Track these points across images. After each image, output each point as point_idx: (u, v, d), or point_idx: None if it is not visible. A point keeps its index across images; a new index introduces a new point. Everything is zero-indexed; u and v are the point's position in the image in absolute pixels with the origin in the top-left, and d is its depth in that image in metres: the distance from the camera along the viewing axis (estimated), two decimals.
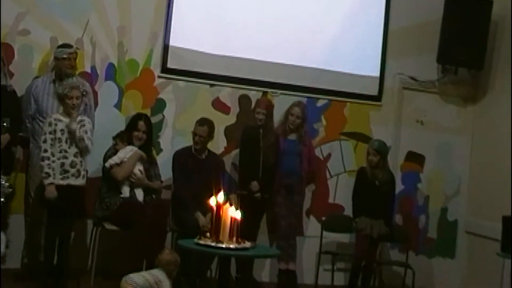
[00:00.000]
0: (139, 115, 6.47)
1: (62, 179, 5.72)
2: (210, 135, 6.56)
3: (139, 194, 6.25)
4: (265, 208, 6.94)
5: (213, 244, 4.57)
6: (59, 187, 5.70)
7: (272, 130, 6.89)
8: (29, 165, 6.17)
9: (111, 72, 6.83)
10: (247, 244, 4.67)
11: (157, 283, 4.93)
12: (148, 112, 6.77)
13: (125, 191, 6.20)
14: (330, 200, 7.50)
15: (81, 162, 5.80)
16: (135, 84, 6.91)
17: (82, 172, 5.82)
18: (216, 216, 4.62)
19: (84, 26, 6.72)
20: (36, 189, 5.98)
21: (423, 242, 7.75)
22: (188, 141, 6.71)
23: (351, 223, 6.84)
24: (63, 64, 6.13)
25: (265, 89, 7.27)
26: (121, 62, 6.85)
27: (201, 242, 4.64)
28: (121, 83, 6.85)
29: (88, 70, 6.73)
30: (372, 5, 7.67)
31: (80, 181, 5.80)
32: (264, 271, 7.18)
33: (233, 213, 4.61)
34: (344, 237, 7.31)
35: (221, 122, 7.07)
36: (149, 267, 5.94)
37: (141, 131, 6.32)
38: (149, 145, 6.48)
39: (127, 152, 6.24)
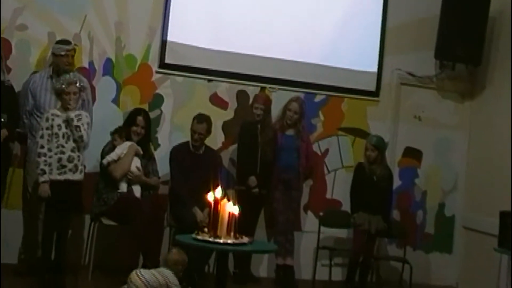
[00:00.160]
0: (138, 110, 6.47)
1: (59, 174, 5.71)
2: (209, 131, 6.57)
3: (137, 190, 6.25)
4: (263, 203, 6.95)
5: (211, 239, 4.57)
6: (56, 182, 5.69)
7: (270, 126, 6.89)
8: (27, 160, 6.17)
9: (109, 67, 6.83)
10: (245, 239, 4.66)
11: (167, 284, 4.94)
12: (146, 107, 6.77)
13: (123, 187, 6.20)
14: (328, 196, 7.50)
15: (78, 157, 5.79)
16: (133, 79, 6.90)
17: (80, 167, 5.82)
18: (214, 211, 4.61)
19: (82, 21, 6.71)
20: (34, 184, 5.97)
21: (420, 238, 7.76)
22: (186, 137, 6.71)
23: (348, 219, 6.85)
24: (61, 60, 6.13)
25: (263, 85, 7.27)
26: (119, 57, 6.85)
27: (199, 237, 4.63)
28: (118, 78, 6.85)
29: (86, 65, 6.73)
30: (370, 1, 7.67)
31: (77, 176, 5.80)
32: (262, 266, 7.19)
33: (231, 208, 4.61)
34: (341, 232, 7.32)
35: (219, 117, 7.07)
36: (146, 263, 5.99)
37: (140, 126, 6.32)
38: (147, 141, 6.48)
39: (124, 148, 6.24)
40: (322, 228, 7.19)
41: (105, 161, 6.20)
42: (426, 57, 7.61)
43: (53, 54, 6.19)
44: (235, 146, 7.04)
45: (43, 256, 5.83)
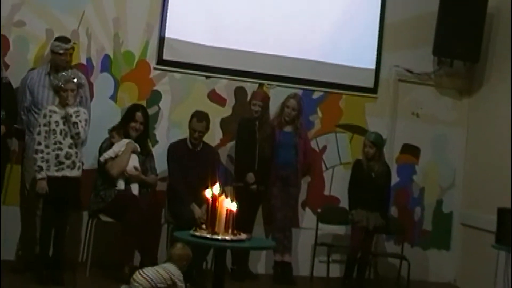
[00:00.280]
0: (136, 106, 6.47)
1: (57, 170, 5.72)
2: (207, 128, 6.58)
3: (134, 188, 6.25)
4: (261, 200, 6.96)
5: (208, 236, 4.56)
6: (54, 179, 5.70)
7: (268, 122, 6.89)
8: (25, 157, 6.16)
9: (107, 64, 6.82)
10: (243, 236, 4.66)
11: (171, 278, 4.96)
12: (143, 104, 6.76)
13: (120, 184, 6.21)
14: (326, 192, 7.51)
15: (76, 153, 5.79)
16: (131, 76, 6.90)
17: (78, 164, 5.82)
18: (212, 208, 4.61)
19: (80, 17, 6.71)
20: (31, 181, 5.97)
21: (418, 234, 7.77)
22: (184, 133, 6.71)
23: (346, 215, 6.86)
24: (59, 59, 6.12)
25: (261, 81, 7.27)
26: (117, 54, 6.85)
27: (197, 234, 4.63)
28: (116, 75, 6.85)
29: (84, 61, 6.72)
30: None
31: (75, 173, 5.80)
32: (260, 262, 7.20)
33: (228, 205, 4.61)
34: (339, 229, 7.33)
35: (217, 114, 7.08)
36: (143, 261, 6.00)
37: (139, 122, 6.32)
38: (145, 137, 6.48)
39: (121, 146, 6.24)
40: (320, 225, 7.20)
41: (102, 159, 6.20)
42: (424, 54, 7.61)
43: (52, 51, 6.18)
44: (233, 142, 7.05)
45: (41, 252, 5.84)
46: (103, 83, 6.80)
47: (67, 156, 5.74)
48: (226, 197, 4.65)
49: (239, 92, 7.23)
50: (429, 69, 7.77)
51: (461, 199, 7.86)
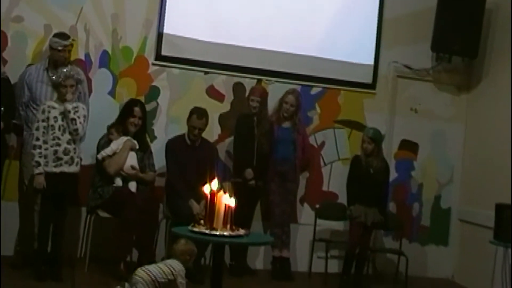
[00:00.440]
0: (134, 101, 6.46)
1: (55, 166, 5.72)
2: (207, 125, 6.58)
3: (132, 185, 6.25)
4: (259, 195, 6.96)
5: (207, 231, 4.57)
6: (52, 175, 5.70)
7: (266, 118, 6.90)
8: (23, 152, 6.16)
9: (105, 60, 6.82)
10: (241, 231, 4.67)
11: (172, 273, 4.97)
12: (142, 99, 6.76)
13: (118, 181, 6.21)
14: (324, 188, 7.51)
15: (74, 149, 5.80)
16: (129, 72, 6.90)
17: (76, 160, 5.82)
18: (210, 203, 4.62)
19: (78, 13, 6.70)
20: (30, 176, 5.97)
21: (416, 230, 7.78)
22: (182, 129, 6.71)
23: (345, 211, 6.87)
24: (57, 55, 6.11)
25: (260, 77, 7.27)
26: (115, 50, 6.84)
27: (195, 229, 4.64)
28: (115, 71, 6.84)
29: (82, 57, 6.72)
30: None
31: (73, 169, 5.80)
32: (258, 258, 7.20)
33: (227, 200, 4.61)
34: (338, 225, 7.34)
35: (215, 109, 7.07)
36: (141, 257, 6.02)
37: (137, 117, 6.32)
38: (143, 132, 6.48)
39: (119, 143, 6.23)
40: (318, 221, 7.21)
41: (99, 156, 6.20)
42: (422, 49, 7.61)
43: (50, 47, 6.17)
44: (231, 138, 7.05)
45: (39, 248, 5.85)
46: (101, 78, 6.80)
47: (66, 152, 5.74)
48: (225, 192, 4.65)
49: (238, 87, 7.23)
50: (427, 65, 7.77)
51: (459, 195, 7.87)
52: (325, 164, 7.53)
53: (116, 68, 6.85)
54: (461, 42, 7.45)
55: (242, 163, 6.76)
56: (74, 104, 5.80)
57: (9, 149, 6.29)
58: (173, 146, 6.56)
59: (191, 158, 6.48)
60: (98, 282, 5.87)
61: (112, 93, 6.84)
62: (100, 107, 6.60)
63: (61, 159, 5.73)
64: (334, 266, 7.21)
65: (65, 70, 5.79)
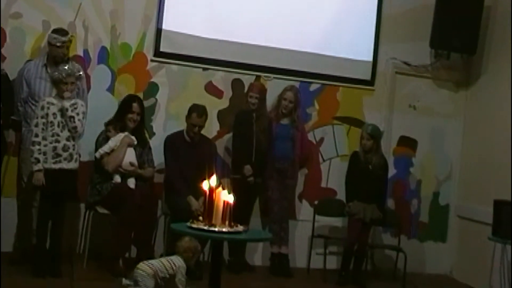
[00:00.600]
0: (132, 97, 6.46)
1: (54, 163, 5.71)
2: (206, 121, 6.59)
3: (131, 182, 6.25)
4: (258, 192, 6.97)
5: (205, 228, 4.58)
6: (51, 171, 5.70)
7: (265, 115, 6.90)
8: (21, 148, 6.16)
9: (104, 56, 6.81)
10: (240, 227, 4.67)
11: (172, 268, 5.00)
12: (140, 95, 6.75)
13: (117, 178, 6.21)
14: (323, 184, 7.52)
15: (73, 146, 5.79)
16: (128, 68, 6.89)
17: (75, 156, 5.81)
18: (209, 200, 4.62)
19: (77, 9, 6.69)
20: (29, 173, 5.96)
21: (415, 226, 7.80)
22: (180, 125, 6.71)
23: (343, 207, 6.88)
24: (56, 51, 6.10)
25: (258, 73, 7.26)
26: (114, 46, 6.83)
27: (194, 226, 4.64)
28: (113, 67, 6.84)
29: (81, 53, 6.71)
30: None
31: (72, 165, 5.79)
32: (257, 254, 7.21)
33: (225, 197, 4.61)
34: (336, 221, 7.35)
35: (214, 106, 7.07)
36: (139, 254, 6.02)
37: (136, 113, 6.31)
38: (141, 128, 6.47)
39: (117, 140, 6.23)
40: (317, 217, 7.22)
41: (97, 155, 6.20)
42: (421, 46, 7.61)
43: (49, 43, 6.16)
44: (230, 135, 7.04)
45: (37, 244, 5.85)
46: (100, 75, 6.79)
47: (65, 149, 5.74)
48: (223, 189, 4.66)
49: (236, 84, 7.22)
50: (426, 61, 7.77)
51: (457, 191, 7.88)
52: (323, 161, 7.53)
53: (115, 64, 6.84)
54: (460, 38, 7.45)
55: (241, 160, 6.76)
56: (73, 101, 5.79)
57: (8, 145, 6.29)
58: (172, 142, 6.56)
59: (190, 154, 6.48)
60: (97, 278, 5.88)
61: (110, 89, 6.83)
62: (99, 104, 6.60)
63: (60, 155, 5.73)
64: (332, 262, 7.22)
65: (66, 67, 5.78)
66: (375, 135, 6.82)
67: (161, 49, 6.96)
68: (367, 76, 7.64)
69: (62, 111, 5.71)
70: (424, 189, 7.84)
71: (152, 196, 6.40)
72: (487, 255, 6.72)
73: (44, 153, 5.69)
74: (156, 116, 6.97)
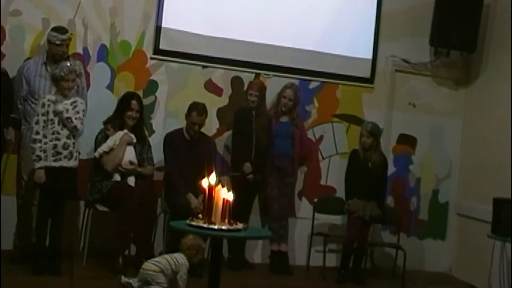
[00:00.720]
0: (131, 94, 6.45)
1: (54, 161, 5.71)
2: (206, 119, 6.59)
3: (131, 180, 6.25)
4: (257, 189, 6.97)
5: (205, 225, 4.58)
6: (51, 169, 5.69)
7: (265, 112, 6.90)
8: (21, 146, 6.15)
9: (103, 54, 6.81)
10: (239, 225, 4.67)
11: (176, 265, 5.00)
12: (140, 93, 6.75)
13: (116, 177, 6.21)
14: (322, 182, 7.52)
15: (73, 144, 5.79)
16: (128, 66, 6.89)
17: (75, 154, 5.81)
18: (208, 197, 4.62)
19: (76, 7, 6.68)
20: (29, 170, 5.96)
21: (414, 224, 7.80)
22: (180, 123, 6.71)
23: (343, 205, 6.89)
24: (55, 49, 6.10)
25: (258, 71, 7.26)
26: (113, 44, 6.83)
27: (193, 223, 4.64)
28: (113, 65, 6.84)
29: (80, 51, 6.70)
30: None
31: (72, 163, 5.80)
32: (256, 252, 7.21)
33: (225, 194, 4.61)
34: (336, 219, 7.35)
35: (214, 103, 7.07)
36: (139, 252, 6.03)
37: (135, 110, 6.31)
38: (141, 125, 6.47)
39: (116, 139, 6.22)
40: (317, 215, 7.22)
41: (97, 154, 6.20)
42: (421, 44, 7.61)
43: (48, 41, 6.16)
44: (229, 132, 7.04)
45: (37, 242, 5.85)
46: (99, 72, 6.79)
47: (65, 147, 5.74)
48: (223, 186, 4.65)
49: (236, 82, 7.22)
50: (426, 59, 7.77)
51: (457, 189, 7.88)
52: (323, 158, 7.54)
53: (114, 62, 6.84)
54: (460, 36, 7.45)
55: (241, 157, 6.76)
56: (72, 99, 5.80)
57: (7, 143, 6.29)
58: (172, 140, 6.56)
59: (189, 152, 6.48)
60: (97, 276, 5.88)
61: (110, 87, 6.83)
62: (98, 101, 6.59)
63: (60, 153, 5.73)
64: (332, 260, 7.22)
65: (68, 64, 5.78)
66: (375, 132, 6.83)
67: (161, 47, 6.96)
68: (367, 74, 7.63)
69: (57, 113, 5.68)
70: (424, 187, 7.84)
71: (152, 194, 6.40)
72: (486, 253, 6.72)
73: (44, 151, 5.69)
74: (155, 113, 6.97)
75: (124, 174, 6.23)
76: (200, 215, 4.76)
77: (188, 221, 4.70)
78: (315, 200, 7.30)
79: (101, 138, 6.27)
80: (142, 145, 6.42)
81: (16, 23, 6.49)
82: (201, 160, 6.31)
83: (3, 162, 6.27)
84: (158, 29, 6.94)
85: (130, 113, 6.29)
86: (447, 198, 7.90)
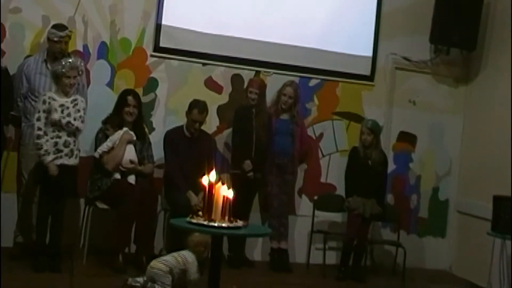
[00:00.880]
0: (127, 91, 6.45)
1: (55, 158, 5.71)
2: (206, 117, 6.59)
3: (131, 178, 6.26)
4: (258, 187, 6.97)
5: (205, 223, 4.57)
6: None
7: (265, 110, 6.90)
8: (21, 144, 6.15)
9: (103, 51, 6.80)
10: (239, 223, 4.66)
11: (184, 264, 5.00)
12: (140, 91, 6.75)
13: (117, 176, 6.21)
14: (322, 180, 7.52)
15: (74, 141, 5.79)
16: (128, 63, 6.88)
17: (75, 152, 5.82)
18: (209, 195, 4.61)
19: (76, 4, 6.67)
20: (30, 168, 5.95)
21: (414, 222, 7.80)
22: (180, 121, 6.71)
23: (343, 203, 6.89)
24: (54, 46, 6.10)
25: (258, 69, 7.25)
26: (113, 41, 6.83)
27: (193, 221, 4.63)
28: (113, 62, 6.83)
29: (80, 48, 6.69)
30: None
31: (73, 161, 5.80)
32: (256, 249, 7.21)
33: (225, 192, 4.61)
34: (336, 216, 7.35)
35: (214, 101, 7.06)
36: (139, 250, 6.03)
37: (132, 105, 6.30)
38: (141, 123, 6.47)
39: (116, 138, 6.22)
40: (317, 212, 7.22)
41: (96, 154, 6.20)
42: (421, 41, 7.61)
43: (48, 38, 6.16)
44: (229, 130, 7.04)
45: (37, 239, 5.86)
46: (99, 70, 6.78)
47: (66, 144, 5.74)
48: (223, 184, 4.65)
49: (236, 79, 7.22)
50: (426, 57, 7.77)
51: (457, 186, 7.89)
52: (323, 156, 7.54)
53: (114, 59, 6.83)
54: (460, 34, 7.44)
55: (241, 155, 6.77)
56: (73, 97, 5.79)
57: (7, 140, 6.28)
58: (172, 137, 6.56)
59: (189, 149, 6.48)
60: (97, 274, 5.89)
61: (110, 84, 6.82)
62: (98, 99, 6.59)
63: (61, 151, 5.73)
64: (332, 258, 7.23)
65: (70, 60, 5.78)
66: (375, 129, 6.84)
67: (161, 44, 6.95)
68: (367, 72, 7.63)
69: (56, 123, 5.66)
70: (424, 184, 7.84)
71: (152, 191, 6.40)
72: (486, 251, 6.72)
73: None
74: (155, 111, 6.97)
75: (125, 173, 6.24)
76: (200, 213, 4.75)
77: (188, 219, 4.70)
78: (315, 197, 7.30)
79: (102, 136, 6.27)
80: (142, 143, 6.42)
81: (16, 20, 6.48)
82: (201, 158, 6.32)
83: (3, 160, 6.28)
84: (158, 26, 6.93)
85: (128, 109, 6.28)
86: (447, 196, 7.90)
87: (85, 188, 6.28)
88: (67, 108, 5.73)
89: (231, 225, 4.59)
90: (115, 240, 6.04)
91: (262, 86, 6.92)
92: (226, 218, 4.60)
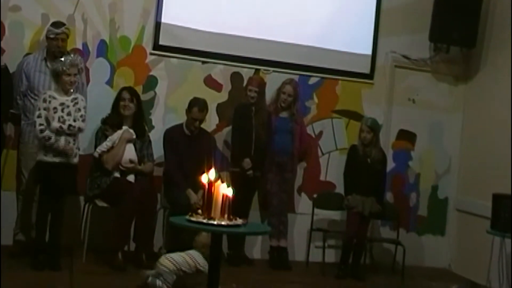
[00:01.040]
0: (122, 88, 6.47)
1: (55, 156, 5.70)
2: (206, 115, 6.59)
3: (131, 177, 6.26)
4: (257, 185, 6.97)
5: (204, 221, 4.57)
6: (52, 165, 5.69)
7: (264, 108, 6.90)
8: (21, 142, 6.15)
9: (103, 49, 6.80)
10: (239, 221, 4.67)
11: (196, 266, 5.00)
12: (139, 89, 6.75)
13: (116, 175, 6.21)
14: (322, 178, 7.52)
15: (74, 140, 5.78)
16: (127, 61, 6.88)
17: (75, 151, 5.81)
18: (208, 193, 4.61)
19: (76, 2, 6.67)
20: (33, 166, 5.95)
21: (413, 220, 7.80)
22: (179, 119, 6.71)
23: (342, 201, 6.89)
24: (51, 43, 6.11)
25: (257, 67, 7.25)
26: (113, 39, 6.82)
27: (193, 219, 4.63)
28: (112, 60, 6.83)
29: (80, 47, 6.69)
30: None
31: (73, 160, 5.79)
32: (256, 247, 7.22)
33: (225, 190, 4.61)
34: (335, 214, 7.35)
35: (213, 99, 7.06)
36: (138, 248, 6.03)
37: (126, 99, 6.30)
38: (141, 121, 6.47)
39: (115, 138, 6.21)
40: (316, 210, 7.22)
41: (96, 154, 6.20)
42: (420, 39, 7.61)
43: (46, 36, 6.16)
44: (229, 128, 7.04)
45: (37, 237, 5.86)
46: (99, 68, 6.78)
47: (66, 143, 5.72)
48: (222, 182, 4.65)
49: (235, 77, 7.22)
50: (425, 55, 7.77)
51: (456, 185, 7.89)
52: (322, 154, 7.54)
53: (114, 57, 6.83)
54: (459, 32, 7.44)
55: (240, 153, 6.77)
56: (73, 96, 5.79)
57: (7, 138, 6.28)
58: (171, 135, 6.57)
59: (189, 148, 6.48)
60: (96, 271, 5.89)
61: (109, 82, 6.82)
62: (98, 97, 6.59)
63: (61, 151, 5.72)
64: (331, 256, 7.23)
65: (70, 58, 5.77)
66: (375, 127, 6.84)
67: (160, 42, 6.95)
68: (366, 70, 7.63)
69: (58, 131, 5.65)
70: (423, 182, 7.84)
71: (151, 190, 6.40)
72: (485, 249, 6.72)
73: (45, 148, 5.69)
74: (155, 109, 6.96)
75: (124, 173, 6.24)
76: (199, 211, 4.75)
77: (187, 217, 4.70)
78: (315, 195, 7.31)
79: (101, 135, 6.27)
80: (142, 141, 6.42)
81: (16, 18, 6.48)
82: (201, 156, 6.31)
83: (3, 158, 6.27)
84: (157, 24, 6.93)
85: (123, 103, 6.29)
86: (446, 194, 7.91)
87: (84, 186, 6.29)
88: (68, 107, 5.72)
89: (230, 223, 4.59)
90: (114, 238, 6.04)
91: (262, 84, 6.92)
92: (226, 216, 4.60)
